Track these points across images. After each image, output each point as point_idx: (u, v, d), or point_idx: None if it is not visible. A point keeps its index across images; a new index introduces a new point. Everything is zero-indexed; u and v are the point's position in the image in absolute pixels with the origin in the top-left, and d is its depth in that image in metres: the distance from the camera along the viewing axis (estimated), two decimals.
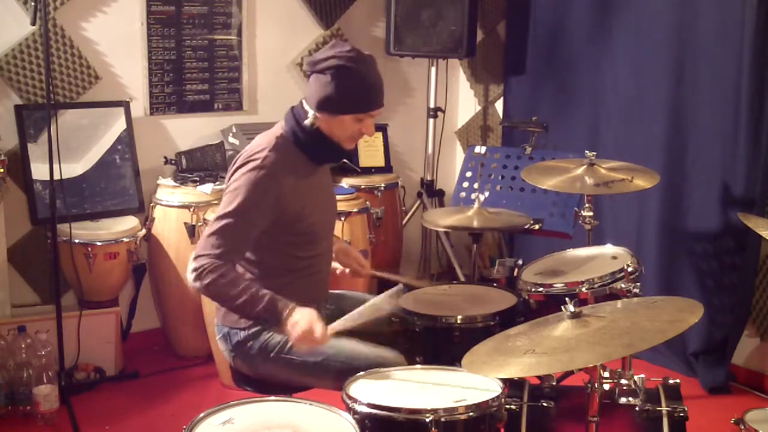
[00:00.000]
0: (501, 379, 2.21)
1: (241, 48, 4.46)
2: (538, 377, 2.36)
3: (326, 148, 2.64)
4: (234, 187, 2.51)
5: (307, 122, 2.58)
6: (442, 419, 2.06)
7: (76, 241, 3.75)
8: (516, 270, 3.15)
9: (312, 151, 2.63)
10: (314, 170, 2.68)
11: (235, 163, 2.59)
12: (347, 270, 2.94)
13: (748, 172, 3.72)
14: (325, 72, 2.53)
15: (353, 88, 2.54)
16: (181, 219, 3.98)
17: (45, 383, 3.50)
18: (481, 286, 3.13)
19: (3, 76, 3.81)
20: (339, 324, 2.44)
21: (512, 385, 2.44)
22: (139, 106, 4.19)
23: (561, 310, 2.12)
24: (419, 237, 5.07)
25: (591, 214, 3.33)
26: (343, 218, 3.91)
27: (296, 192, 2.57)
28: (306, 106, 2.61)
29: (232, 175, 2.56)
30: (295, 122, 2.62)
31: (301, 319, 2.39)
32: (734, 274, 3.85)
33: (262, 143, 2.59)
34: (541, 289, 2.85)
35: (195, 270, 2.44)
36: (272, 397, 2.23)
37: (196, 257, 2.46)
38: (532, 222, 3.55)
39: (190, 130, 4.36)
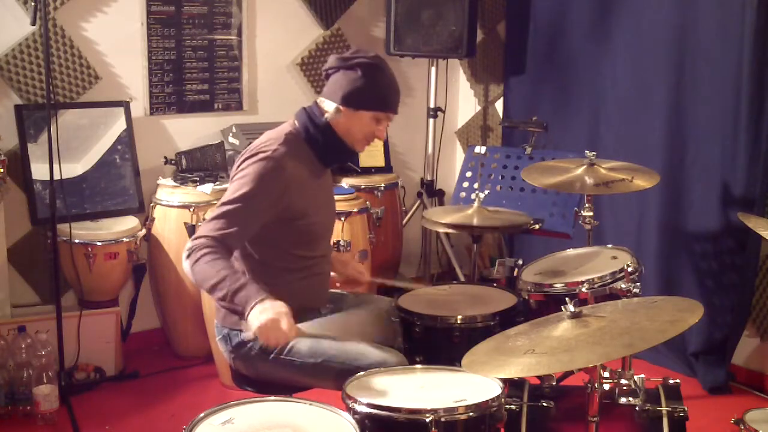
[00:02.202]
0: (501, 379, 2.21)
1: (241, 48, 4.46)
2: (538, 377, 2.36)
3: (337, 148, 2.65)
4: (241, 176, 2.51)
5: (326, 117, 2.61)
6: (442, 419, 2.06)
7: (76, 241, 3.75)
8: (516, 270, 3.15)
9: (322, 149, 2.64)
10: (321, 171, 2.69)
11: (241, 156, 2.59)
12: (340, 279, 2.93)
13: (748, 172, 3.72)
14: (355, 68, 2.59)
15: (380, 85, 2.63)
16: (181, 219, 3.98)
17: (45, 383, 3.50)
18: (481, 286, 3.13)
19: (3, 76, 3.81)
20: (307, 326, 2.37)
21: (512, 385, 2.45)
22: (139, 106, 4.19)
23: (561, 310, 2.12)
24: (419, 237, 5.07)
25: (591, 214, 3.33)
26: (343, 218, 3.91)
27: (302, 188, 2.58)
28: (323, 103, 2.64)
29: (240, 165, 2.56)
30: (308, 119, 2.63)
31: (265, 311, 2.27)
32: (734, 274, 3.85)
33: (270, 138, 2.61)
34: (541, 289, 2.85)
35: (188, 249, 2.41)
36: (272, 397, 2.23)
37: (194, 238, 2.44)
38: (532, 222, 3.55)
39: (190, 130, 4.36)
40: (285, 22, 4.61)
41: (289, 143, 2.58)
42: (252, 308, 2.29)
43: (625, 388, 2.38)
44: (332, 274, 2.90)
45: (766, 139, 3.67)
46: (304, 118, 2.64)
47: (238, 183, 2.50)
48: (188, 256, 2.41)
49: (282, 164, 2.52)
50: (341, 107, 2.60)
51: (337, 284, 2.94)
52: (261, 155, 2.52)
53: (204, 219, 3.83)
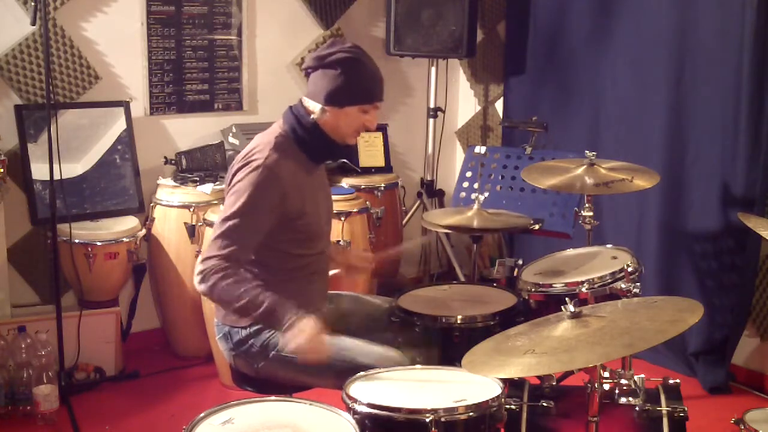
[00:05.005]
0: (501, 379, 2.21)
1: (241, 48, 4.46)
2: (538, 377, 2.36)
3: (326, 146, 2.66)
4: (236, 189, 2.52)
5: (312, 117, 2.61)
6: (442, 419, 2.06)
7: (76, 241, 3.75)
8: (516, 270, 3.15)
9: (312, 148, 2.64)
10: (313, 169, 2.70)
11: (234, 164, 2.60)
12: (343, 272, 2.93)
13: (748, 172, 3.72)
14: (333, 66, 2.57)
15: (361, 79, 2.60)
16: (181, 219, 3.98)
17: (45, 383, 3.50)
18: (481, 286, 3.13)
19: (3, 76, 3.81)
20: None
21: (512, 385, 2.45)
22: (139, 106, 4.19)
23: (561, 310, 2.12)
24: (419, 237, 5.07)
25: (591, 214, 3.33)
26: (343, 218, 3.91)
27: (297, 189, 2.58)
28: (308, 103, 2.63)
29: (234, 176, 2.57)
30: (295, 120, 2.63)
31: (304, 329, 2.37)
32: (734, 274, 3.85)
33: (261, 143, 2.61)
34: (541, 289, 2.85)
35: (200, 273, 2.46)
36: (272, 397, 2.23)
37: (203, 260, 2.47)
38: (532, 222, 3.55)
39: (190, 130, 4.36)
40: (285, 22, 4.61)
41: (279, 147, 2.58)
42: (289, 326, 2.38)
43: (625, 388, 2.38)
44: (331, 272, 2.90)
45: (766, 139, 3.67)
46: (291, 120, 2.64)
47: (235, 197, 2.51)
48: (201, 280, 2.46)
49: (275, 171, 2.53)
50: (326, 107, 2.59)
51: (340, 275, 2.93)
52: (253, 164, 2.53)
53: (204, 219, 3.87)
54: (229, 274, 2.43)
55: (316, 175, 2.73)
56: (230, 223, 2.48)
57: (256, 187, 2.50)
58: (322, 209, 2.75)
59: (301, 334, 2.36)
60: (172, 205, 4.02)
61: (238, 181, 2.53)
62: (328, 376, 2.50)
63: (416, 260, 5.13)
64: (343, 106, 2.59)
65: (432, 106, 4.88)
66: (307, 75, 2.66)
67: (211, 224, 3.80)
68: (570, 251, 3.19)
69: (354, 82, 2.58)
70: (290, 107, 2.68)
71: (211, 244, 2.49)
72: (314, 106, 2.61)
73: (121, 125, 4.08)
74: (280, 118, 2.70)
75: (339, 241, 3.85)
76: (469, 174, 4.24)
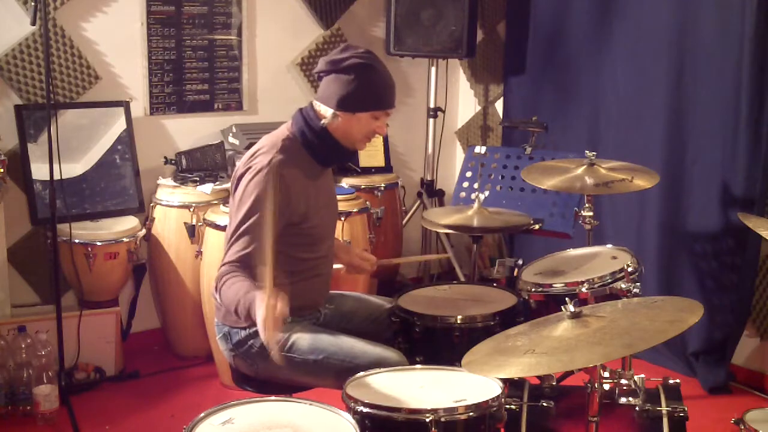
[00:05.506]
0: (501, 379, 2.21)
1: (241, 48, 4.46)
2: (538, 377, 2.36)
3: (334, 150, 2.66)
4: (242, 194, 2.52)
5: (323, 122, 2.60)
6: (442, 419, 2.06)
7: (76, 241, 3.75)
8: (516, 270, 3.15)
9: (320, 152, 2.64)
10: (320, 172, 2.69)
11: (239, 168, 2.60)
12: (345, 269, 2.93)
13: (748, 172, 3.72)
14: (347, 71, 2.57)
15: (374, 85, 2.60)
16: (181, 219, 3.98)
17: (45, 383, 3.50)
18: (481, 286, 3.13)
19: (3, 76, 3.81)
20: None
21: (512, 385, 2.45)
22: (139, 106, 4.19)
23: (561, 310, 2.12)
24: (419, 237, 5.07)
25: (591, 214, 3.33)
26: (343, 218, 3.91)
27: (303, 192, 2.58)
28: (319, 107, 2.63)
29: (239, 180, 2.57)
30: (304, 123, 2.63)
31: (263, 306, 2.21)
32: (734, 274, 3.85)
33: (265, 145, 2.61)
34: (541, 289, 2.85)
35: (215, 280, 2.47)
36: (272, 397, 2.23)
37: (219, 268, 2.49)
38: (532, 222, 3.55)
39: (190, 130, 4.36)
40: (285, 22, 4.61)
41: (285, 149, 2.58)
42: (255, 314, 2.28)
43: (625, 388, 2.38)
44: (336, 266, 2.89)
45: (766, 139, 3.68)
46: (301, 123, 2.64)
47: (242, 201, 2.52)
48: (214, 289, 2.48)
49: (281, 173, 2.52)
50: (338, 112, 2.59)
51: (342, 272, 2.94)
52: (257, 167, 2.53)
53: (204, 219, 3.87)
54: (231, 276, 2.44)
55: (323, 180, 2.72)
56: (242, 227, 2.48)
57: (263, 190, 2.49)
58: (326, 213, 2.74)
59: (260, 310, 2.22)
60: (172, 205, 4.02)
61: (245, 184, 2.53)
62: (328, 376, 2.51)
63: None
64: (355, 111, 2.59)
65: (432, 106, 4.88)
66: (320, 79, 2.65)
67: (211, 224, 3.80)
68: (570, 251, 3.19)
69: (367, 88, 2.58)
70: (300, 110, 2.68)
71: (227, 251, 2.51)
72: (325, 111, 2.61)
73: (121, 125, 4.08)
74: (288, 119, 2.70)
75: None
76: (469, 174, 4.23)
